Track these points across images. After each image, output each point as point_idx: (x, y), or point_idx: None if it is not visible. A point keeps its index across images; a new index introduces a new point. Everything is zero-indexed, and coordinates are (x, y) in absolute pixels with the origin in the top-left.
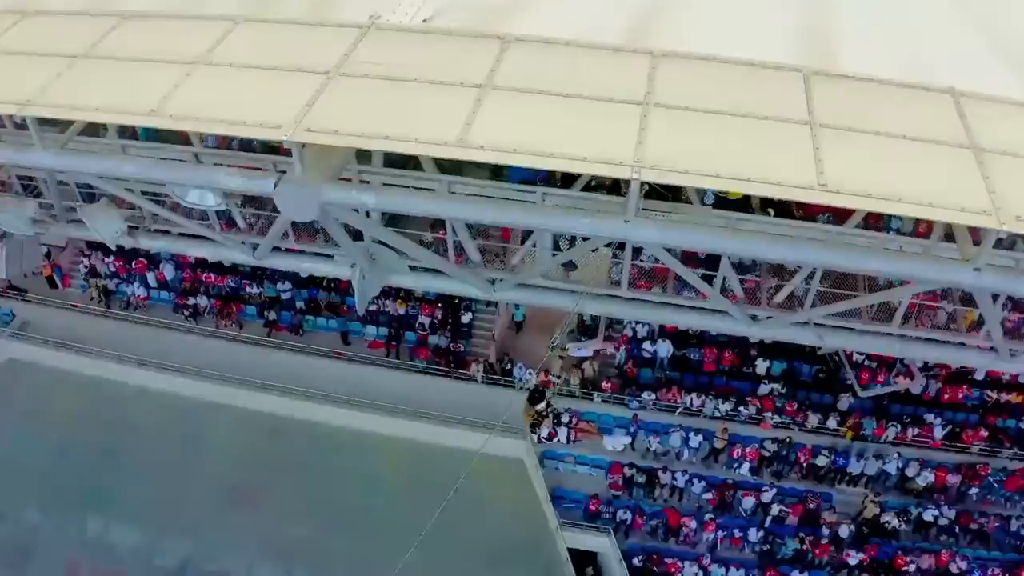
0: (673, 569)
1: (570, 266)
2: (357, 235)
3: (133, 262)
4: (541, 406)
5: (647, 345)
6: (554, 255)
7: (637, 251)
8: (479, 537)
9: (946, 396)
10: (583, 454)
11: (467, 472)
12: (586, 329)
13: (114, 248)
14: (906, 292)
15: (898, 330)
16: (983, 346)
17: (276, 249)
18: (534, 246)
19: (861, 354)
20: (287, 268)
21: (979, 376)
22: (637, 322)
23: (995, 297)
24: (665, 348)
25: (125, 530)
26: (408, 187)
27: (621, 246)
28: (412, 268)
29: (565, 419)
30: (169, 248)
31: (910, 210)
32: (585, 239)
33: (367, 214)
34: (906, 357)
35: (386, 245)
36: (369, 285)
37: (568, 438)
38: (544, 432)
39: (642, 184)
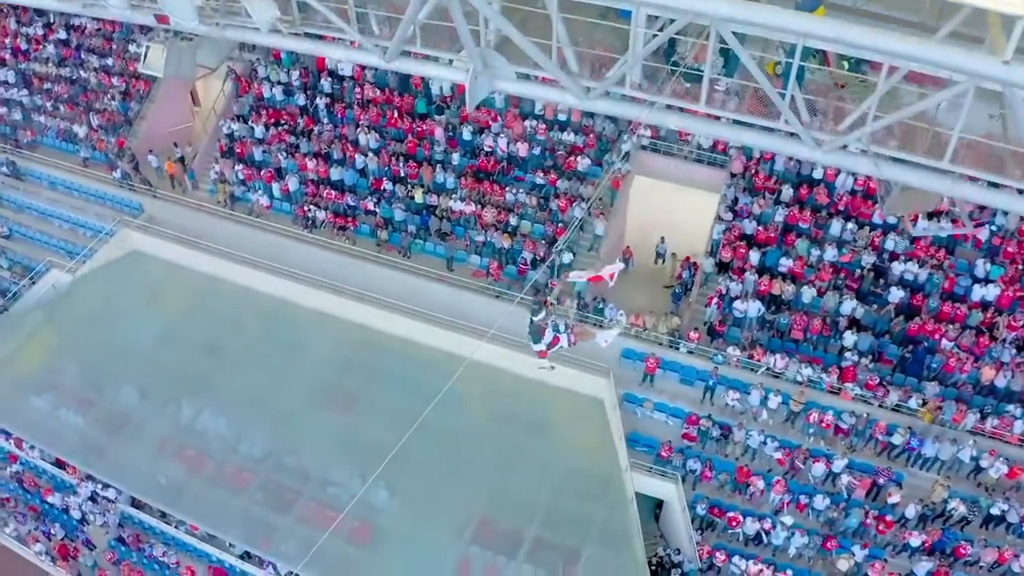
0: (735, 523)
1: (654, 81)
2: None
3: (262, 171)
4: (539, 317)
5: (738, 304)
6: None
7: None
8: (551, 466)
9: None
10: (663, 401)
11: (460, 372)
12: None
13: (265, 36)
14: (951, 93)
15: (948, 165)
16: None
17: (404, 54)
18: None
19: (951, 341)
20: (412, 72)
21: None
22: (731, 279)
23: None
24: (755, 308)
25: (216, 418)
26: None
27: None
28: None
29: (562, 327)
30: (308, 50)
31: None
32: (670, 24)
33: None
34: (956, 196)
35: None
36: (480, 87)
37: (569, 342)
38: (548, 337)
39: None
